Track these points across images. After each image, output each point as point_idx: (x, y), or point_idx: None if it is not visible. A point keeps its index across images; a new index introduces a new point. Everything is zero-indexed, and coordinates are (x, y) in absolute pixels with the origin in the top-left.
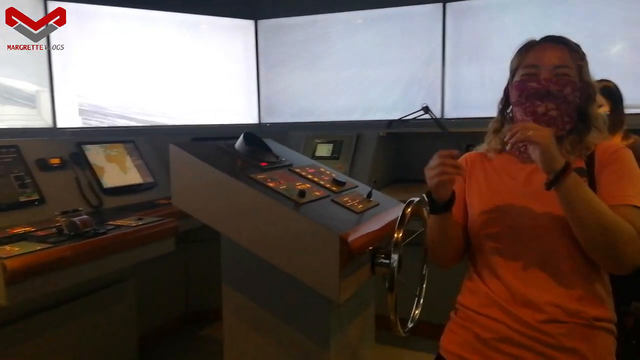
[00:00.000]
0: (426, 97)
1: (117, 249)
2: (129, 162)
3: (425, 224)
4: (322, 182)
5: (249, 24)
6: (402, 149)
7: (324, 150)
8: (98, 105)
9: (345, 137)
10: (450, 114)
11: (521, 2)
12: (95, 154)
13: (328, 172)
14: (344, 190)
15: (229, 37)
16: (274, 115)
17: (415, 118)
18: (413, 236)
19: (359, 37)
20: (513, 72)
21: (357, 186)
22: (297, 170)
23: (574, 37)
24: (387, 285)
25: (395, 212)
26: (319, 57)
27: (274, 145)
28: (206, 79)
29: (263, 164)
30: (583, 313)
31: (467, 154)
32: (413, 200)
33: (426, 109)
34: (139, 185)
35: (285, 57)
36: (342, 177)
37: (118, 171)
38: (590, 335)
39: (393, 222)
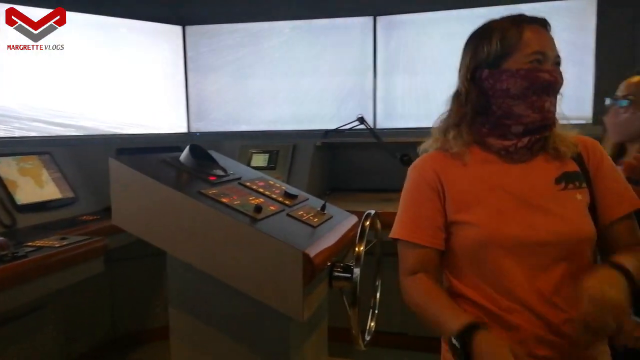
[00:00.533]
0: (360, 108)
1: (40, 273)
2: (45, 175)
3: (378, 234)
4: (274, 196)
5: (176, 29)
6: (338, 159)
7: (259, 160)
8: (8, 108)
9: (281, 147)
10: (382, 124)
11: (448, 17)
12: (6, 166)
13: (278, 185)
14: (297, 204)
15: (154, 42)
16: (203, 123)
17: (351, 128)
18: (368, 247)
19: (292, 46)
20: (505, 52)
21: (308, 199)
22: (248, 184)
23: None
24: (348, 299)
25: (348, 223)
26: (251, 65)
27: (218, 156)
28: (130, 84)
29: (212, 177)
30: None
31: (424, 162)
32: (370, 213)
33: (361, 120)
34: (58, 200)
35: (215, 65)
36: (292, 190)
37: (33, 186)
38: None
39: (349, 234)
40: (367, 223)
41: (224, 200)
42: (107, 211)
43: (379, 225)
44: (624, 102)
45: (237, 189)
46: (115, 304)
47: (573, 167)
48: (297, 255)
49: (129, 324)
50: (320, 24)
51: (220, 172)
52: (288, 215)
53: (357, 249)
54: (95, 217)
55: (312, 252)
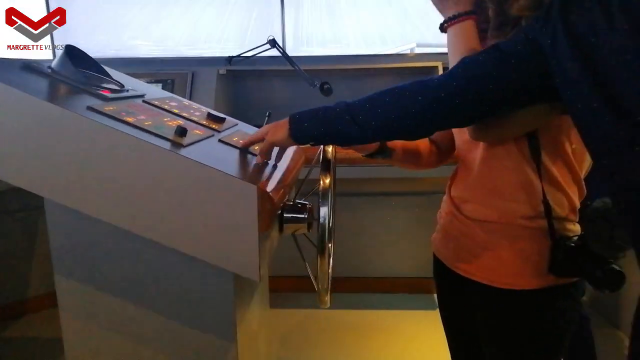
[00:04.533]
0: (267, 31)
1: None
2: None
3: (334, 165)
4: (195, 119)
5: None
6: (246, 89)
7: None
8: None
9: (177, 75)
10: (293, 51)
11: None
12: None
13: (195, 107)
14: (226, 128)
15: None
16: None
17: (259, 53)
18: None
19: None
20: None
21: (237, 124)
22: (156, 102)
23: None
24: (318, 247)
25: (292, 152)
26: None
27: (108, 69)
28: None
29: (105, 91)
30: None
31: None
32: None
33: (273, 42)
34: None
35: None
36: (217, 112)
37: None
38: None
39: (297, 164)
40: (330, 149)
41: (128, 119)
42: None
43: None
44: None
45: (144, 108)
46: None
47: None
48: (250, 192)
49: None
50: None
51: (114, 86)
52: (221, 141)
53: (322, 181)
54: None
55: (269, 187)
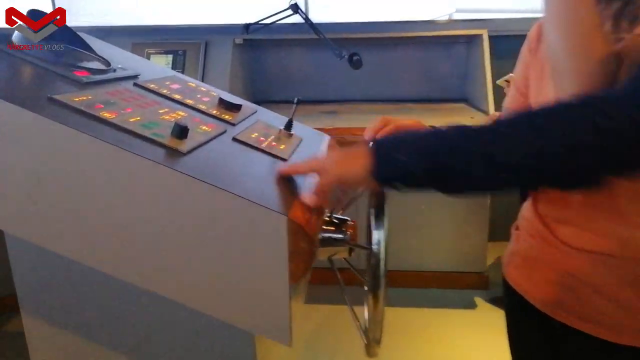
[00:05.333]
0: None
1: None
2: None
3: None
4: (202, 107)
5: None
6: (264, 61)
7: (161, 63)
8: None
9: (188, 45)
10: (317, 17)
11: None
12: None
13: (204, 89)
14: (242, 119)
15: None
16: (73, 17)
17: (279, 20)
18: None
19: None
20: None
21: (256, 111)
22: (152, 86)
23: None
24: (368, 284)
25: (322, 145)
26: None
27: (92, 41)
28: None
29: (81, 72)
30: None
31: None
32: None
33: (295, 8)
34: None
35: None
36: (231, 96)
37: None
38: None
39: None
40: None
41: (106, 115)
42: None
43: None
44: None
45: (134, 95)
46: None
47: None
48: (277, 225)
49: None
50: None
51: (96, 65)
52: (235, 140)
53: (374, 194)
54: None
55: (304, 213)
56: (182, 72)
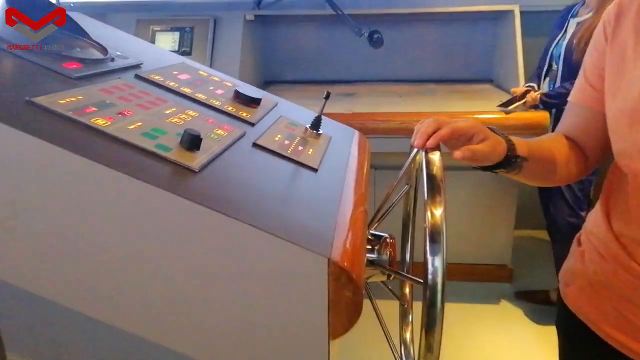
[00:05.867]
0: None
1: None
2: None
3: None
4: (216, 103)
5: None
6: (277, 39)
7: (167, 41)
8: None
9: (196, 22)
10: None
11: None
12: None
13: (217, 78)
14: (262, 117)
15: None
16: None
17: None
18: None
19: None
20: None
21: (276, 104)
22: (156, 77)
23: None
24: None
25: (363, 150)
26: None
27: (85, 22)
28: None
29: (70, 64)
30: None
31: None
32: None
33: None
34: None
35: None
36: (248, 88)
37: None
38: None
39: (366, 174)
40: (437, 158)
41: (99, 123)
42: None
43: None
44: None
45: (134, 91)
46: None
47: None
48: (316, 270)
49: None
50: None
51: (90, 53)
52: (256, 145)
53: (430, 212)
54: None
55: (345, 251)
56: (190, 51)
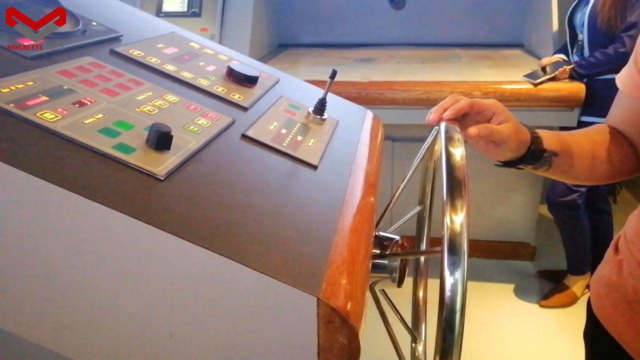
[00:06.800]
0: None
1: None
2: None
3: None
4: (204, 82)
5: None
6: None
7: (175, 3)
8: None
9: None
10: None
11: None
12: None
13: (210, 51)
14: (256, 100)
15: None
16: None
17: None
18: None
19: None
20: None
21: (278, 79)
22: (136, 53)
23: None
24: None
25: (374, 138)
26: None
27: None
28: None
29: (27, 39)
30: None
31: None
32: (448, 129)
33: None
34: None
35: None
36: (243, 66)
37: None
38: None
39: (378, 170)
40: (459, 154)
41: (45, 117)
42: None
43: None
44: None
45: (104, 72)
46: None
47: None
48: (303, 309)
49: None
50: None
51: (58, 27)
52: (245, 137)
53: (449, 219)
54: None
55: (340, 287)
56: (200, 12)
